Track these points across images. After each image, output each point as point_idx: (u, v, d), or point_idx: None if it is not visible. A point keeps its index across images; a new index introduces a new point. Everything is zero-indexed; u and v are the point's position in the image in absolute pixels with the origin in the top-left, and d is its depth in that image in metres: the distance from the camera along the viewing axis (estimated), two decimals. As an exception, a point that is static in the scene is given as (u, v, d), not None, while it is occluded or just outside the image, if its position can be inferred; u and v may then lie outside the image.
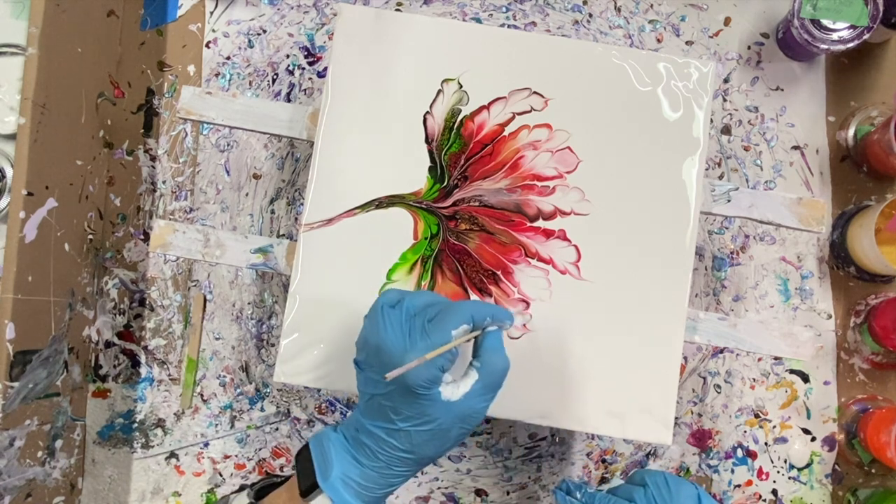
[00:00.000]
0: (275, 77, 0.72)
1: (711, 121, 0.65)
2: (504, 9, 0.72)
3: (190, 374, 0.69)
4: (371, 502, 0.45)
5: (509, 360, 0.44)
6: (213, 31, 0.73)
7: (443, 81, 0.57)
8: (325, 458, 0.44)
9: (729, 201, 0.58)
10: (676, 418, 0.67)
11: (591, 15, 0.72)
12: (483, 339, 0.45)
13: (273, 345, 0.70)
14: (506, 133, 0.57)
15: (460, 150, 0.57)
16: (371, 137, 0.57)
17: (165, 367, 0.70)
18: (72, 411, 0.66)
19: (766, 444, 0.68)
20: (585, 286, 0.55)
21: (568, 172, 0.56)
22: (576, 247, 0.56)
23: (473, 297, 0.55)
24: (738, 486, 0.68)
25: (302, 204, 0.69)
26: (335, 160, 0.57)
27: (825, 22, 0.65)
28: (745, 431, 0.68)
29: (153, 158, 0.72)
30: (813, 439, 0.68)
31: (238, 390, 0.69)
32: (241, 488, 0.50)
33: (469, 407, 0.43)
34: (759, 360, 0.69)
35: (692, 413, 0.68)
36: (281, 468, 0.69)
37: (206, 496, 0.69)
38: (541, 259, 0.55)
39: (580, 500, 0.51)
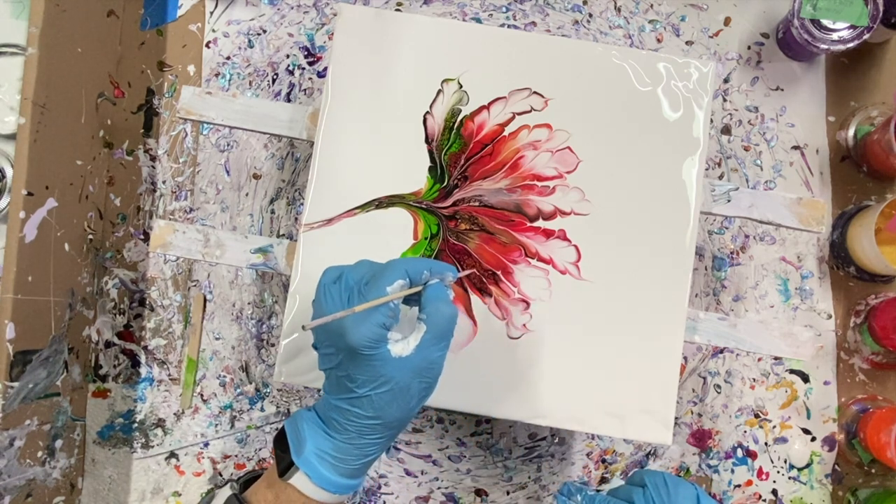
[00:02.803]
0: (275, 77, 0.72)
1: (711, 121, 0.65)
2: (504, 9, 0.72)
3: (190, 374, 0.69)
4: (349, 474, 0.45)
5: (455, 308, 0.44)
6: (213, 31, 0.73)
7: (443, 81, 0.57)
8: (298, 436, 0.45)
9: (729, 201, 0.58)
10: (676, 418, 0.67)
11: (591, 15, 0.72)
12: (425, 292, 0.44)
13: (273, 345, 0.70)
14: (506, 133, 0.57)
15: (460, 150, 0.57)
16: (371, 137, 0.57)
17: (165, 367, 0.70)
18: (72, 411, 0.66)
19: (766, 444, 0.68)
20: (585, 286, 0.55)
21: (568, 172, 0.56)
22: (576, 247, 0.56)
23: (474, 297, 0.55)
24: (738, 486, 0.68)
25: (302, 204, 0.69)
26: (335, 160, 0.57)
27: (825, 22, 0.65)
28: (745, 431, 0.68)
29: (153, 158, 0.72)
30: (813, 439, 0.68)
31: (238, 390, 0.69)
32: (227, 482, 0.51)
33: (423, 359, 0.43)
34: (759, 360, 0.69)
35: (692, 413, 0.68)
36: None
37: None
38: (541, 259, 0.55)
39: (581, 502, 0.51)
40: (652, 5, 0.72)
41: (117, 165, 0.71)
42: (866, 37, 0.64)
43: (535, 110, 0.57)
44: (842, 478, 0.68)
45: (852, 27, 0.64)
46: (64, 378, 0.64)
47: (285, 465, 0.45)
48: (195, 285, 0.70)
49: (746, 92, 0.71)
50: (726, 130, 0.71)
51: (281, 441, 0.46)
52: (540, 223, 0.56)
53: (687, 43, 0.72)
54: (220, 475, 0.69)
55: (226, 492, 0.48)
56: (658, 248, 0.55)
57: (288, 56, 0.72)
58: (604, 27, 0.72)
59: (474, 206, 0.56)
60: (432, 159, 0.57)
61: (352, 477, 0.45)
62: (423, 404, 0.46)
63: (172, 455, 0.69)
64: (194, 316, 0.70)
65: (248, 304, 0.70)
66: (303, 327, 0.42)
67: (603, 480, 0.68)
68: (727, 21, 0.72)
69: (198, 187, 0.72)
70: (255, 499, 0.46)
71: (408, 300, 0.46)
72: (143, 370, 0.70)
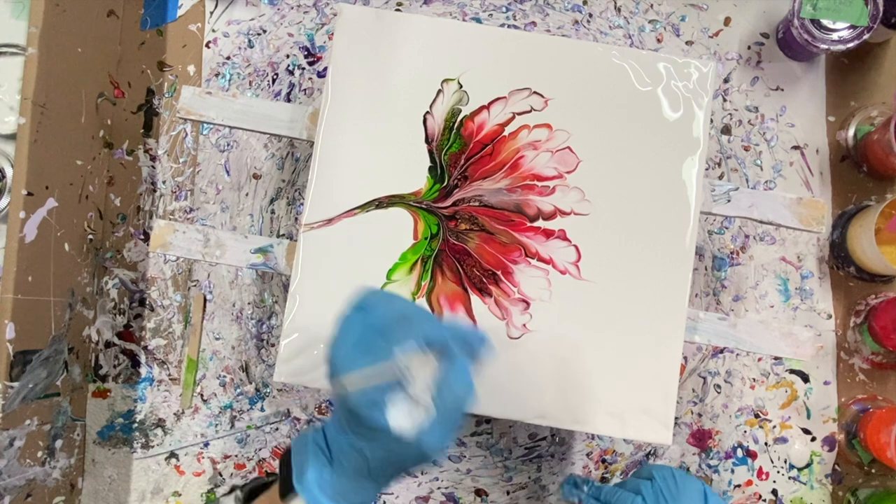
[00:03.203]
0: (275, 77, 0.72)
1: (711, 121, 0.65)
2: (504, 9, 0.72)
3: (190, 374, 0.69)
4: None
5: (472, 391, 0.39)
6: (213, 31, 0.73)
7: (443, 81, 0.57)
8: (302, 459, 0.42)
9: (729, 201, 0.58)
10: (676, 418, 0.67)
11: (591, 15, 0.72)
12: (447, 369, 0.39)
13: (273, 345, 0.70)
14: (506, 133, 0.57)
15: (460, 150, 0.57)
16: (371, 137, 0.57)
17: (165, 367, 0.70)
18: (72, 411, 0.66)
19: (766, 444, 0.68)
20: (585, 286, 0.55)
21: (568, 172, 0.56)
22: (576, 247, 0.56)
23: (474, 297, 0.55)
24: (738, 486, 0.68)
25: (302, 204, 0.69)
26: (335, 160, 0.57)
27: (825, 22, 0.65)
28: (745, 431, 0.68)
29: (153, 158, 0.72)
30: (813, 439, 0.68)
31: (238, 390, 0.69)
32: (232, 490, 0.50)
33: (426, 443, 0.38)
34: (759, 360, 0.69)
35: (692, 413, 0.68)
36: (281, 468, 0.69)
37: (206, 496, 0.69)
38: (541, 259, 0.55)
39: (587, 493, 0.51)
40: (652, 5, 0.72)
41: (117, 165, 0.71)
42: (866, 37, 0.64)
43: (535, 110, 0.57)
44: (842, 478, 0.68)
45: (852, 27, 0.64)
46: (64, 378, 0.64)
47: (287, 488, 0.42)
48: (195, 285, 0.70)
49: (746, 92, 0.71)
50: (726, 130, 0.71)
51: (287, 459, 0.44)
52: (540, 223, 0.56)
53: (687, 43, 0.72)
54: (220, 475, 0.69)
55: (230, 501, 0.47)
56: (658, 248, 0.55)
57: (288, 56, 0.72)
58: (604, 27, 0.72)
59: (474, 206, 0.56)
60: (432, 159, 0.57)
61: None
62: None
63: (172, 455, 0.69)
64: (194, 316, 0.70)
65: (248, 304, 0.70)
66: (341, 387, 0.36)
67: (603, 480, 0.68)
68: (727, 21, 0.72)
69: (198, 187, 0.72)
70: None
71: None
72: (143, 370, 0.70)
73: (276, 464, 0.69)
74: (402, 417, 0.38)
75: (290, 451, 0.44)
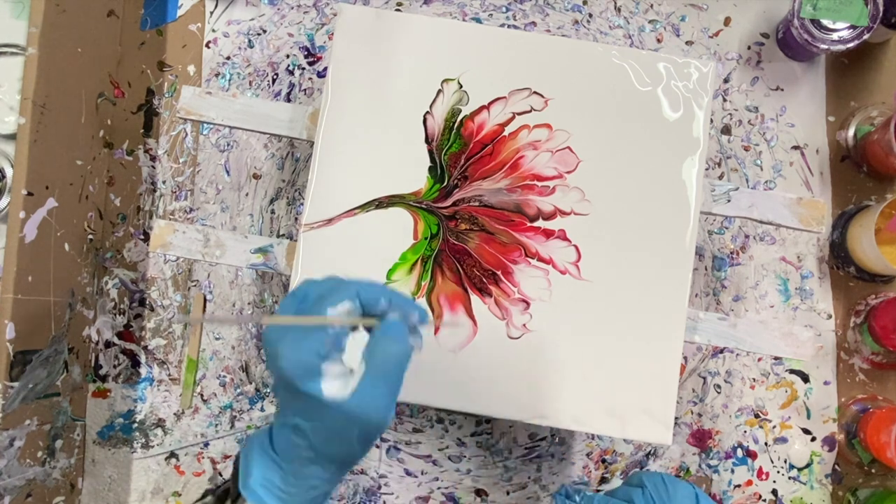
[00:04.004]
0: (275, 77, 0.72)
1: (711, 121, 0.65)
2: (504, 9, 0.72)
3: (190, 374, 0.69)
4: None
5: (408, 349, 0.38)
6: (213, 31, 0.73)
7: (443, 81, 0.57)
8: (247, 462, 0.40)
9: (729, 201, 0.58)
10: (676, 418, 0.67)
11: (591, 15, 0.72)
12: (376, 328, 0.38)
13: (273, 345, 0.70)
14: (506, 133, 0.57)
15: (460, 150, 0.57)
16: (371, 137, 0.57)
17: (165, 367, 0.70)
18: (72, 411, 0.66)
19: (766, 444, 0.68)
20: (585, 286, 0.55)
21: (568, 172, 0.56)
22: (576, 247, 0.56)
23: (474, 297, 0.55)
24: (738, 486, 0.68)
25: (302, 204, 0.69)
26: (335, 160, 0.57)
27: (825, 22, 0.65)
28: (745, 431, 0.68)
29: (153, 158, 0.72)
30: (813, 439, 0.68)
31: (238, 390, 0.69)
32: (205, 495, 0.47)
33: (359, 406, 0.36)
34: (759, 360, 0.69)
35: (692, 413, 0.68)
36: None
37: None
38: (541, 259, 0.55)
39: (579, 503, 0.51)
40: (652, 5, 0.72)
41: (117, 165, 0.71)
42: (866, 37, 0.64)
43: (535, 110, 0.57)
44: (842, 478, 0.68)
45: (852, 27, 0.64)
46: (64, 378, 0.64)
47: (236, 493, 0.40)
48: (195, 285, 0.70)
49: (746, 92, 0.71)
50: (726, 130, 0.71)
51: (237, 464, 0.42)
52: (540, 223, 0.56)
53: (687, 43, 0.72)
54: (220, 475, 0.69)
55: None
56: (658, 248, 0.55)
57: (288, 56, 0.72)
58: (604, 27, 0.72)
59: (474, 206, 0.56)
60: (432, 159, 0.57)
61: None
62: (370, 449, 0.40)
63: (172, 455, 0.69)
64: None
65: (248, 304, 0.70)
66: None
67: (603, 480, 0.68)
68: (727, 21, 0.72)
69: (198, 187, 0.72)
70: None
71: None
72: (143, 370, 0.70)
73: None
74: (336, 383, 0.37)
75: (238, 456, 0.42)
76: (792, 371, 0.69)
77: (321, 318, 0.36)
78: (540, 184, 0.56)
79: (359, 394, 0.36)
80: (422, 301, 0.55)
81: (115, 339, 0.70)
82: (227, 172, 0.72)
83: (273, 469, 0.39)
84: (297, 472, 0.39)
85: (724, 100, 0.71)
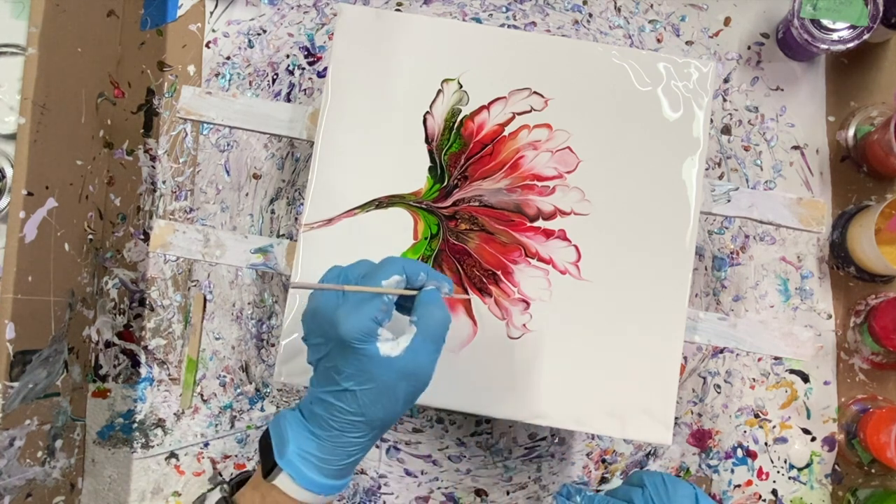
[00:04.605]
0: (275, 77, 0.72)
1: (711, 121, 0.65)
2: (504, 9, 0.72)
3: (190, 374, 0.69)
4: (334, 475, 0.44)
5: (449, 315, 0.44)
6: (213, 31, 0.73)
7: (443, 81, 0.57)
8: (281, 436, 0.44)
9: (729, 201, 0.58)
10: (676, 418, 0.67)
11: (591, 15, 0.72)
12: (420, 295, 0.44)
13: (273, 345, 0.70)
14: (506, 133, 0.57)
15: (460, 150, 0.57)
16: (371, 137, 0.57)
17: (165, 367, 0.70)
18: (72, 411, 0.66)
19: (766, 444, 0.68)
20: (585, 286, 0.55)
21: (568, 172, 0.56)
22: (576, 247, 0.56)
23: (474, 297, 0.55)
24: (738, 486, 0.68)
25: (302, 204, 0.69)
26: (335, 160, 0.57)
27: (825, 22, 0.65)
28: (745, 431, 0.68)
29: (153, 158, 0.72)
30: (813, 439, 0.68)
31: (238, 390, 0.69)
32: (218, 484, 0.50)
33: (411, 361, 0.42)
34: (759, 360, 0.69)
35: (692, 413, 0.68)
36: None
37: (206, 496, 0.69)
38: (541, 259, 0.55)
39: (580, 503, 0.51)
40: (652, 5, 0.72)
41: (117, 165, 0.71)
42: (866, 37, 0.64)
43: (535, 110, 0.57)
44: (842, 478, 0.68)
45: (852, 27, 0.64)
46: (64, 378, 0.64)
47: (269, 467, 0.44)
48: (195, 285, 0.70)
49: (746, 92, 0.71)
50: (726, 130, 0.71)
51: (266, 441, 0.46)
52: (540, 223, 0.56)
53: (687, 43, 0.72)
54: (220, 475, 0.69)
55: (216, 494, 0.47)
56: (658, 248, 0.55)
57: (288, 56, 0.72)
58: (604, 27, 0.72)
59: (474, 206, 0.56)
60: (432, 159, 0.57)
61: (336, 477, 0.45)
62: (410, 408, 0.45)
63: (172, 455, 0.69)
64: (194, 316, 0.70)
65: (248, 304, 0.70)
66: (291, 285, 0.42)
67: (603, 480, 0.68)
68: (727, 21, 0.72)
69: (198, 187, 0.72)
70: (243, 500, 0.46)
71: (400, 306, 0.46)
72: (143, 370, 0.70)
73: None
74: (386, 346, 0.42)
75: (267, 433, 0.46)
76: (792, 371, 0.69)
77: (382, 289, 0.42)
78: (540, 184, 0.56)
79: (411, 350, 0.42)
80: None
81: (115, 339, 0.70)
82: (227, 172, 0.72)
83: (309, 440, 0.44)
84: (336, 438, 0.43)
85: (724, 100, 0.71)
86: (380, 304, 0.42)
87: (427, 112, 0.57)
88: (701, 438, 0.68)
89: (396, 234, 0.56)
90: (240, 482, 0.49)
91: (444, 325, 0.43)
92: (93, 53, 0.67)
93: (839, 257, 0.69)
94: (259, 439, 0.46)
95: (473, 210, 0.56)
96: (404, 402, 0.43)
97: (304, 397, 0.46)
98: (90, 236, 0.68)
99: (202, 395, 0.69)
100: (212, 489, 0.50)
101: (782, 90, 0.71)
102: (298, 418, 0.45)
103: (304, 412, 0.45)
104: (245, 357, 0.70)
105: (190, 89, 0.59)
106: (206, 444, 0.69)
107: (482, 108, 0.57)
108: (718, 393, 0.69)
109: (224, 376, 0.70)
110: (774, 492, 0.68)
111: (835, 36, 0.65)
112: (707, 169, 0.70)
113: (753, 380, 0.69)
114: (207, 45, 0.73)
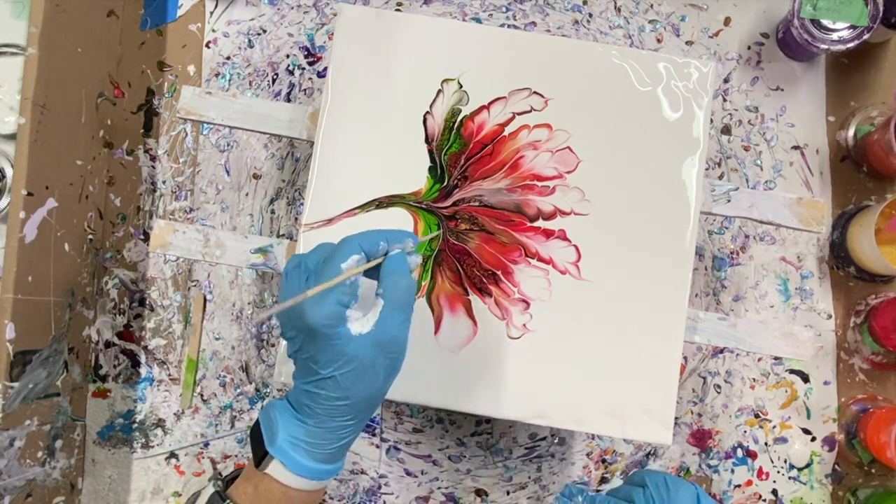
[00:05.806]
0: (275, 77, 0.72)
1: (711, 121, 0.65)
2: (504, 9, 0.72)
3: (190, 374, 0.69)
4: (325, 459, 0.45)
5: (412, 279, 0.44)
6: (213, 31, 0.73)
7: (443, 81, 0.57)
8: (271, 425, 0.45)
9: (729, 201, 0.58)
10: (676, 418, 0.67)
11: (591, 15, 0.72)
12: (383, 265, 0.44)
13: (273, 345, 0.70)
14: (506, 133, 0.57)
15: (460, 150, 0.57)
16: (371, 137, 0.57)
17: (165, 367, 0.70)
18: (72, 411, 0.66)
19: (766, 444, 0.68)
20: (585, 286, 0.55)
21: (568, 172, 0.56)
22: (576, 247, 0.56)
23: (474, 297, 0.55)
24: (738, 486, 0.68)
25: (302, 204, 0.69)
26: (335, 160, 0.57)
27: (825, 22, 0.65)
28: (745, 431, 0.68)
29: (153, 158, 0.72)
30: (813, 439, 0.68)
31: (238, 390, 0.69)
32: (212, 480, 0.50)
33: (383, 334, 0.42)
34: (759, 360, 0.69)
35: (692, 413, 0.68)
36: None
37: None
38: (541, 259, 0.55)
39: (582, 503, 0.51)
40: (652, 5, 0.72)
41: (117, 165, 0.71)
42: (866, 37, 0.64)
43: (535, 110, 0.57)
44: (842, 478, 0.68)
45: (852, 27, 0.64)
46: (64, 378, 0.64)
47: (261, 456, 0.45)
48: (195, 285, 0.70)
49: (746, 92, 0.71)
50: (726, 130, 0.71)
51: (256, 433, 0.46)
52: (540, 223, 0.56)
53: (687, 43, 0.72)
54: (220, 475, 0.69)
55: (209, 490, 0.48)
56: (658, 248, 0.55)
57: (288, 56, 0.72)
58: (604, 27, 0.72)
59: (474, 206, 0.56)
60: (432, 159, 0.57)
61: (328, 462, 0.45)
62: (391, 381, 0.45)
63: (172, 455, 0.69)
64: (194, 316, 0.70)
65: (248, 304, 0.70)
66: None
67: (603, 480, 0.68)
68: (727, 21, 0.72)
69: (198, 187, 0.72)
70: (236, 493, 0.46)
71: (371, 275, 0.45)
72: (143, 370, 0.70)
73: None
74: (357, 325, 0.42)
75: (258, 424, 0.46)
76: (792, 371, 0.69)
77: (341, 276, 0.42)
78: (540, 184, 0.56)
79: (381, 323, 0.42)
80: (422, 301, 0.55)
81: (115, 339, 0.70)
82: (227, 172, 0.72)
83: (297, 427, 0.44)
84: (324, 423, 0.44)
85: (724, 100, 0.71)
86: (344, 288, 0.42)
87: (427, 112, 0.57)
88: (701, 438, 0.68)
89: (396, 234, 0.56)
90: (234, 478, 0.49)
91: (409, 293, 0.43)
92: (93, 53, 0.67)
93: (839, 257, 0.69)
94: (250, 430, 0.47)
95: (473, 210, 0.56)
96: (385, 376, 0.44)
97: (291, 389, 0.47)
98: (90, 236, 0.68)
99: (202, 396, 0.69)
100: (206, 487, 0.50)
101: (782, 90, 0.71)
102: (286, 407, 0.45)
103: (292, 401, 0.45)
104: (245, 357, 0.70)
105: (190, 89, 0.59)
106: (207, 445, 0.69)
107: (482, 108, 0.57)
108: (718, 393, 0.69)
109: (224, 376, 0.70)
110: (774, 492, 0.68)
111: (835, 36, 0.65)
112: (707, 169, 0.70)
113: (753, 380, 0.69)
114: (207, 45, 0.73)
